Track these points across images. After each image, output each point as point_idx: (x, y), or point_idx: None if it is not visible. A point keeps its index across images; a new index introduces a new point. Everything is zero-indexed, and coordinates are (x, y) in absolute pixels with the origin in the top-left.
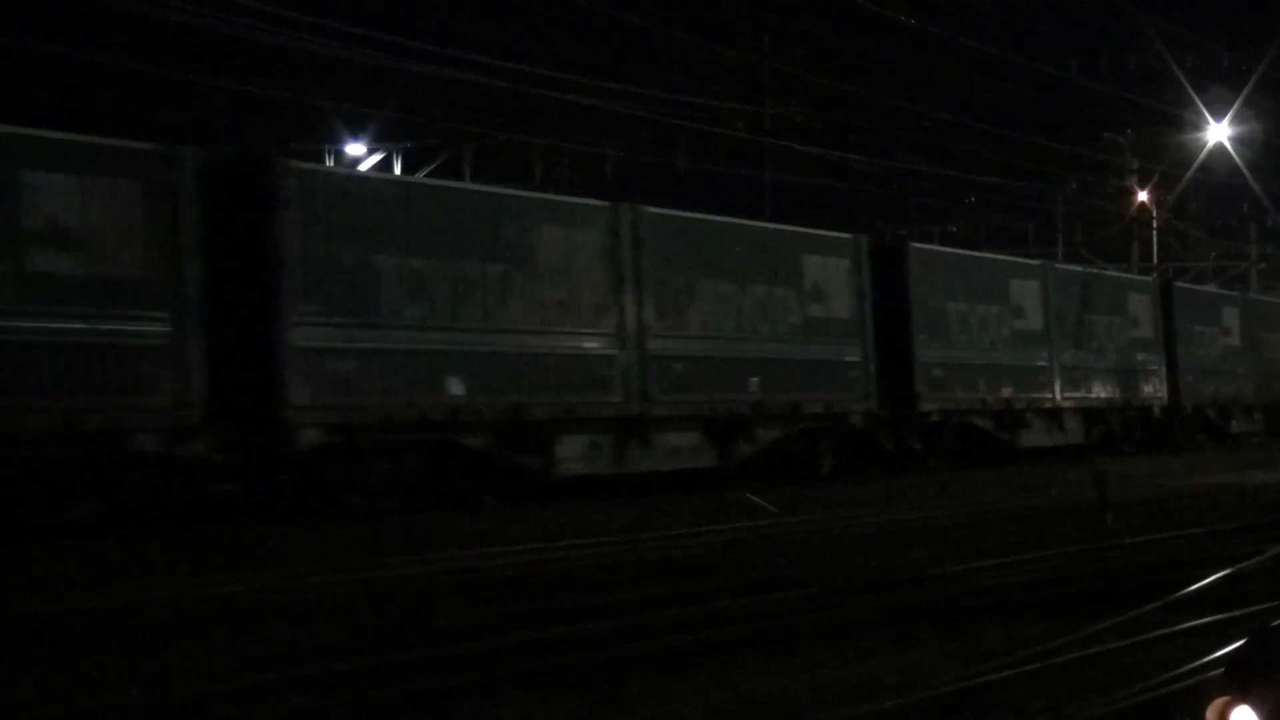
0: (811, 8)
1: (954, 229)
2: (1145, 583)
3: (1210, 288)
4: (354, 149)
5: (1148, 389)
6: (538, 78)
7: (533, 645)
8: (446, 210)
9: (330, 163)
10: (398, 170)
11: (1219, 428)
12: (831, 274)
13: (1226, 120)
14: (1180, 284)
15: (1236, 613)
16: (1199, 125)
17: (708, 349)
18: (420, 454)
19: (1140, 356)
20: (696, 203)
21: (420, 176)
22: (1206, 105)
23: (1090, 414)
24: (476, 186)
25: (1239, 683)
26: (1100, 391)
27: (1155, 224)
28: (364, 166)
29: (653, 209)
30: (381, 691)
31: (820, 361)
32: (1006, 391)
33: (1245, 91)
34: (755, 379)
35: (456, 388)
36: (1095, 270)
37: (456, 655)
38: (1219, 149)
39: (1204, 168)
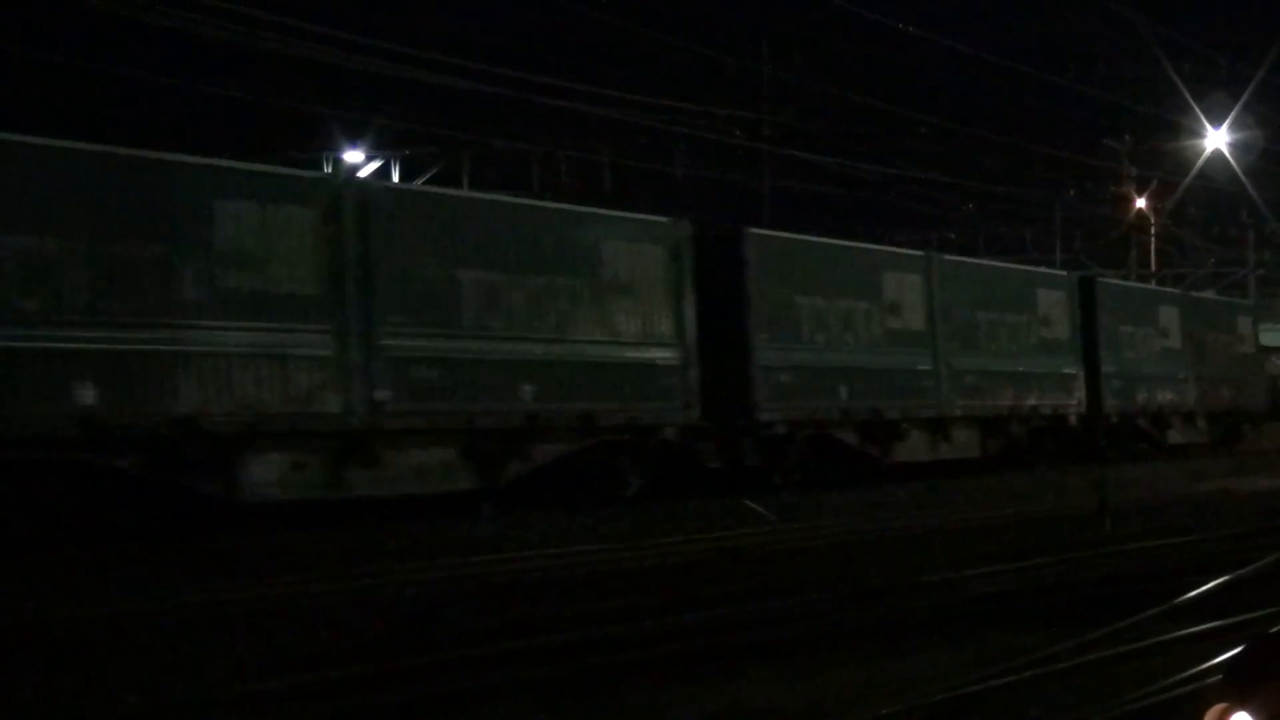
0: (810, 15)
1: (952, 236)
2: (1144, 589)
3: (1144, 285)
4: (352, 156)
5: (1061, 395)
6: (536, 85)
7: (532, 652)
8: (84, 180)
9: (327, 169)
10: (396, 178)
11: (1153, 438)
12: (641, 263)
13: (1225, 127)
14: (1105, 280)
15: (1235, 619)
16: (1197, 132)
17: (467, 350)
18: (46, 476)
19: (1051, 359)
20: (693, 210)
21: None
22: (1205, 112)
23: (987, 424)
24: (124, 150)
25: (1237, 689)
26: (1000, 399)
27: (1153, 231)
28: (362, 174)
29: (386, 184)
30: (380, 698)
31: (622, 365)
32: (876, 399)
33: (1244, 98)
34: (531, 386)
35: (88, 395)
36: (994, 263)
37: (455, 662)
38: (1217, 155)
39: (1202, 174)
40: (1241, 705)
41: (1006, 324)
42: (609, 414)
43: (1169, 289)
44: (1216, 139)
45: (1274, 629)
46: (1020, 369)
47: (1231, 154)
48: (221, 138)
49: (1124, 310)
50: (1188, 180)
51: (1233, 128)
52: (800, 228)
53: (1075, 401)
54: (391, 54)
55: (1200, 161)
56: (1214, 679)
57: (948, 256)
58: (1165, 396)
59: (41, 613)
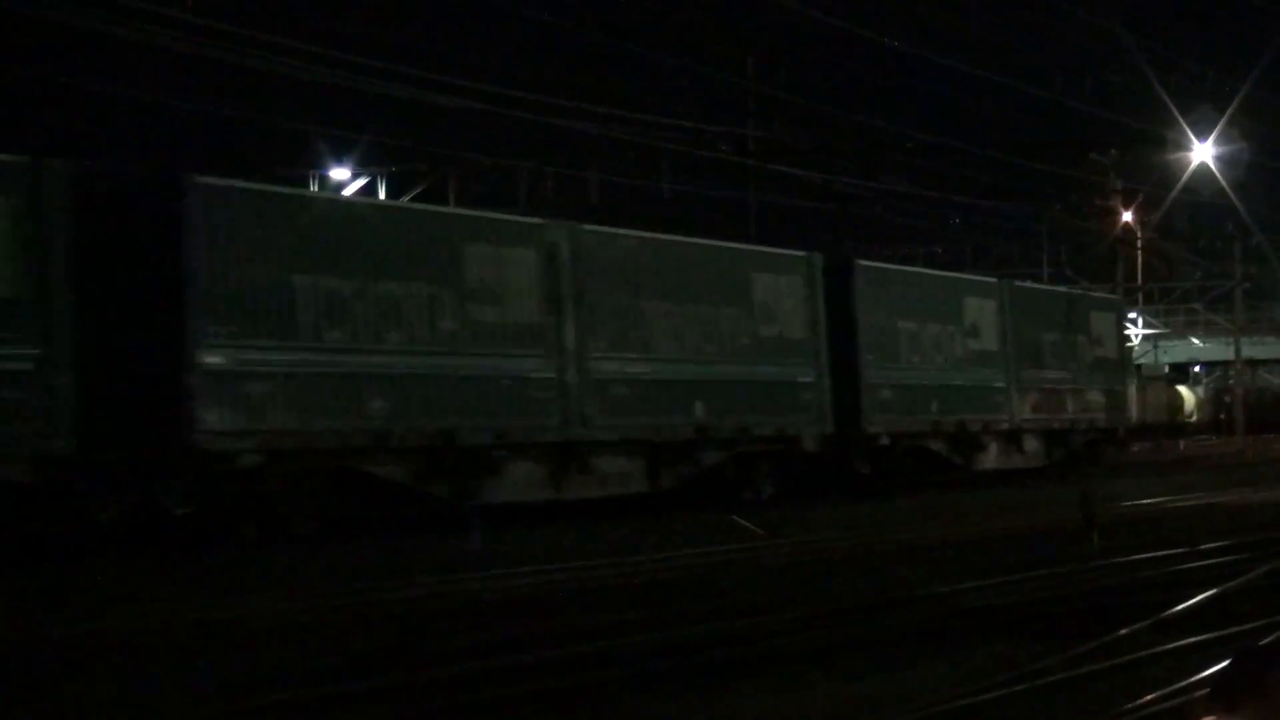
0: (795, 29)
1: (939, 250)
2: (1132, 603)
3: (943, 272)
4: (339, 173)
5: (789, 411)
6: (522, 101)
7: (520, 669)
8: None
9: (315, 188)
10: (382, 195)
11: (953, 464)
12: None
13: (1210, 140)
14: (870, 264)
15: (1223, 632)
16: (1183, 145)
17: None
18: None
19: (773, 365)
20: (682, 225)
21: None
22: (1190, 125)
23: (658, 450)
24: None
25: (1225, 702)
26: (679, 416)
27: (1139, 244)
28: (348, 191)
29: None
30: (369, 715)
31: None
32: (449, 418)
33: (1229, 111)
34: None
35: None
36: (675, 238)
37: (444, 678)
38: (1203, 169)
39: (1188, 188)
40: (1229, 717)
41: (697, 319)
42: None
43: (984, 277)
44: (1202, 152)
45: (1261, 642)
46: (716, 377)
47: (1217, 167)
48: (211, 155)
49: (901, 303)
50: (1174, 194)
51: (1219, 141)
52: (788, 243)
53: (814, 419)
54: (378, 71)
55: (1186, 175)
56: (1202, 692)
57: (590, 227)
58: (972, 412)
59: (30, 630)
